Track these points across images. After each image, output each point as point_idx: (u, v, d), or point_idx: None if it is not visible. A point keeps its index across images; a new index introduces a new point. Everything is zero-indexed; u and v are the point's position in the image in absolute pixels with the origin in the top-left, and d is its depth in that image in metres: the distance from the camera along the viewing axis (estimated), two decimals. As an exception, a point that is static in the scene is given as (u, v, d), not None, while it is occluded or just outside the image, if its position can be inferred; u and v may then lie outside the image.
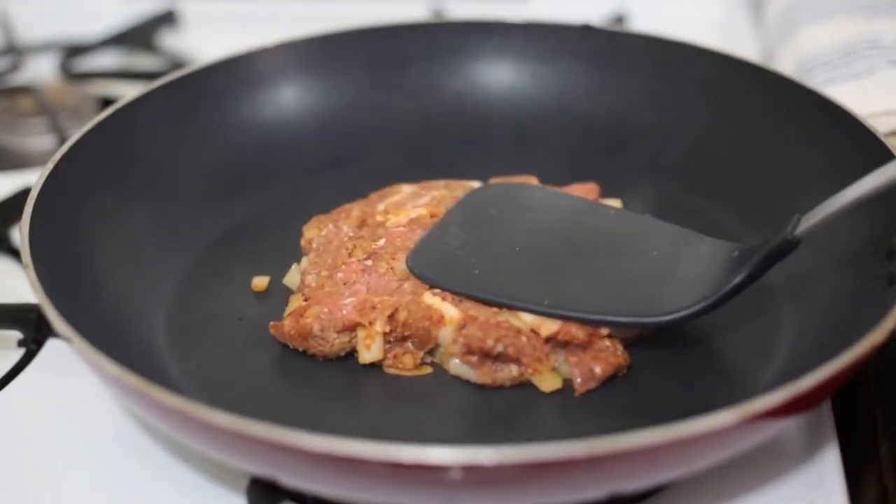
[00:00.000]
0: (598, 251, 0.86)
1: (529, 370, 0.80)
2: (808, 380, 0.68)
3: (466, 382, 0.81)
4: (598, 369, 0.79)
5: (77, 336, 0.73)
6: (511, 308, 0.81)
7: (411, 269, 0.85)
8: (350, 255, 0.87)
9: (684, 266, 0.82)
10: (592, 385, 0.80)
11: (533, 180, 0.97)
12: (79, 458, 0.80)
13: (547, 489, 0.67)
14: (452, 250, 0.86)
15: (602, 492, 0.69)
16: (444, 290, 0.83)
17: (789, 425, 0.78)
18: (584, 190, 0.96)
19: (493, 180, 0.97)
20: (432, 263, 0.85)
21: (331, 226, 0.91)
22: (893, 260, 0.79)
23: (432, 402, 0.80)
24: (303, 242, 0.92)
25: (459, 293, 0.83)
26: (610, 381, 0.80)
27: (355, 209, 0.93)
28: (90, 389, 0.82)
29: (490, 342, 0.79)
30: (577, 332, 0.80)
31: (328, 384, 0.82)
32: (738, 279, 0.78)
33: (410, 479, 0.66)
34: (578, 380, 0.79)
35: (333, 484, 0.70)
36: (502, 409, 0.79)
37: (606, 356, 0.80)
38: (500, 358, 0.80)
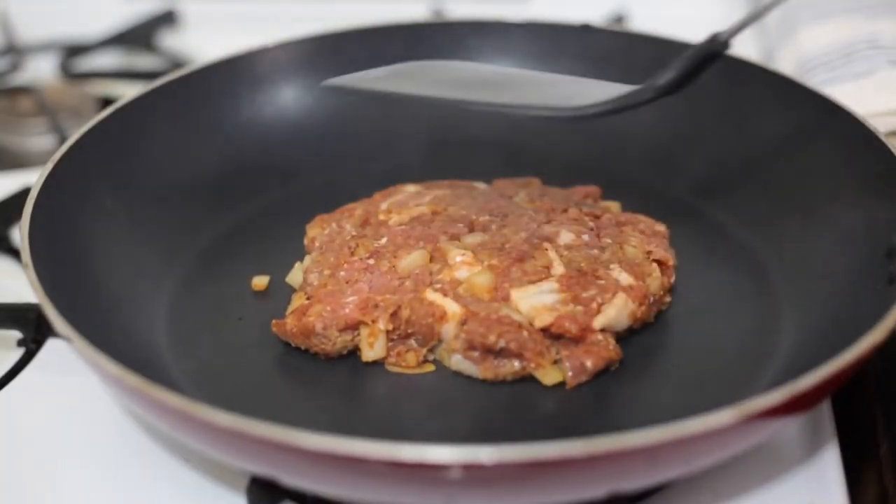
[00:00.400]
0: (528, 78, 0.86)
1: (532, 364, 0.80)
2: (808, 379, 0.68)
3: (468, 379, 0.81)
4: (589, 363, 0.80)
5: (77, 336, 0.73)
6: (452, 103, 0.81)
7: (326, 85, 0.83)
8: (352, 253, 0.87)
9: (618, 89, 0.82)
10: (583, 378, 0.80)
11: (536, 181, 0.97)
12: (79, 458, 0.80)
13: (547, 488, 0.67)
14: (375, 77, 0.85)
15: (602, 491, 0.69)
16: (367, 93, 0.82)
17: (789, 425, 0.78)
18: (586, 191, 0.96)
19: (498, 182, 0.97)
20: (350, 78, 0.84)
21: (334, 225, 0.91)
22: (893, 260, 0.79)
23: (436, 400, 0.81)
24: (306, 241, 0.92)
25: (389, 94, 0.82)
26: (610, 376, 0.81)
27: (359, 208, 0.93)
28: (90, 389, 0.82)
29: (492, 337, 0.79)
30: (570, 326, 0.80)
31: (330, 382, 0.82)
32: (666, 77, 0.79)
33: (411, 478, 0.66)
34: (570, 373, 0.80)
35: (334, 483, 0.70)
36: (505, 405, 0.80)
37: (598, 350, 0.80)
38: (502, 353, 0.80)
